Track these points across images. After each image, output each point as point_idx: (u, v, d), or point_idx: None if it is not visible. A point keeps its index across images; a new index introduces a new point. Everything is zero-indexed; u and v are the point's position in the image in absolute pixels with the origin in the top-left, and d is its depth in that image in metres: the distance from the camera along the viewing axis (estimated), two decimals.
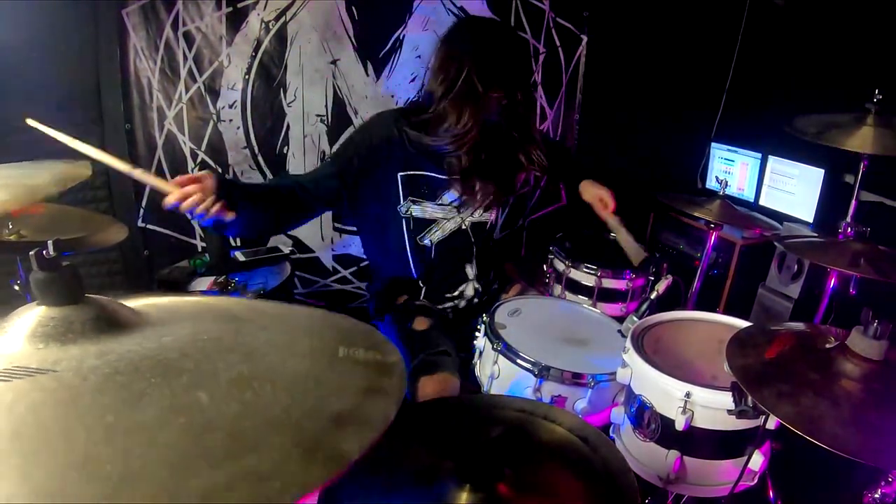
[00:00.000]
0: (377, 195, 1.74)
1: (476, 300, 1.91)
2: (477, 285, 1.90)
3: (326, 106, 2.59)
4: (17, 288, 1.51)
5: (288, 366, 0.58)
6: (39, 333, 0.55)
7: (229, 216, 1.35)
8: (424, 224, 1.79)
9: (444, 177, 1.74)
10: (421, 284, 1.85)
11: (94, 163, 1.28)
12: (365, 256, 2.25)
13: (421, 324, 1.76)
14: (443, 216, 1.80)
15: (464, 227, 1.83)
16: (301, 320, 0.73)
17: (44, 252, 0.57)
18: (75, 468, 0.41)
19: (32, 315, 0.57)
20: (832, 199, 2.71)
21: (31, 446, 0.43)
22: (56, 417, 0.46)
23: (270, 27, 2.40)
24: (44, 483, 0.40)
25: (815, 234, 2.54)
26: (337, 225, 2.74)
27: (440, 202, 1.78)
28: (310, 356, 0.61)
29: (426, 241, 1.81)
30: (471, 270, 1.89)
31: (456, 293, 1.89)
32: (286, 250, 2.32)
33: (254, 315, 0.70)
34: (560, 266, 2.22)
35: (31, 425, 0.45)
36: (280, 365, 0.58)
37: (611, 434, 1.41)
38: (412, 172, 1.73)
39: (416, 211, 1.77)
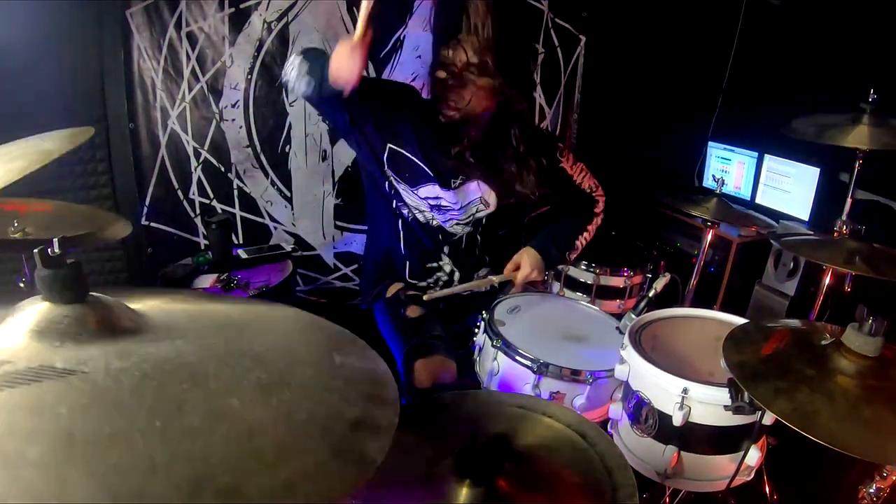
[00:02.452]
0: (371, 146, 1.72)
1: (456, 280, 1.91)
2: (454, 269, 1.89)
3: None
4: (22, 286, 1.51)
5: (296, 372, 0.60)
6: (53, 331, 0.54)
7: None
8: (401, 196, 1.79)
9: (430, 172, 1.72)
10: (404, 252, 1.86)
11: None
12: (363, 253, 2.26)
13: (414, 311, 1.78)
14: (414, 205, 1.79)
15: (433, 223, 1.81)
16: (290, 323, 0.76)
17: (49, 250, 0.57)
18: (149, 471, 0.42)
19: (38, 311, 0.56)
20: (828, 198, 2.73)
21: (92, 449, 0.43)
22: (107, 420, 0.46)
23: (272, 27, 2.41)
24: (123, 486, 0.41)
25: (811, 232, 2.55)
26: (339, 223, 2.76)
27: (416, 191, 1.76)
28: (311, 364, 0.63)
29: (404, 211, 1.81)
30: (446, 259, 1.88)
31: (435, 265, 1.89)
32: (288, 248, 2.33)
33: (249, 318, 0.72)
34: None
35: (83, 428, 0.45)
36: (289, 372, 0.59)
37: (609, 430, 1.42)
38: (401, 151, 1.71)
39: (395, 182, 1.77)
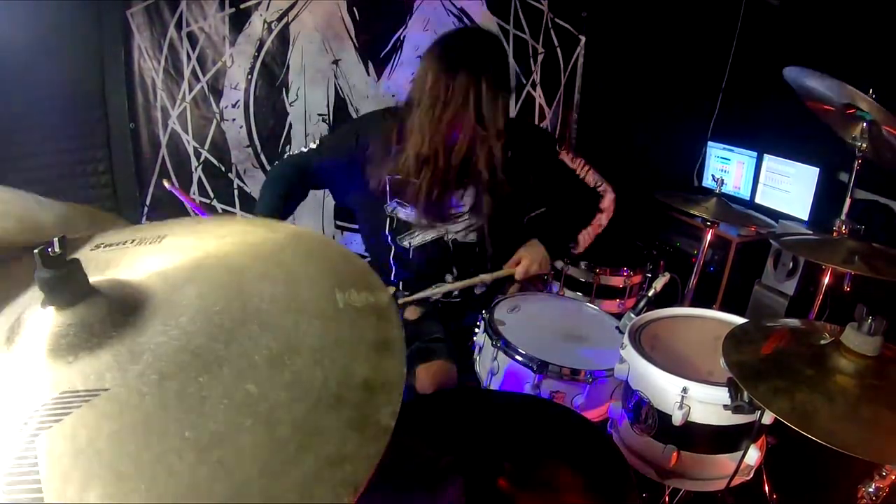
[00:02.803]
0: (366, 190, 1.71)
1: (456, 295, 1.86)
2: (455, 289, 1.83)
3: (328, 105, 2.61)
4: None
5: (302, 330, 0.59)
6: (64, 345, 0.53)
7: None
8: (405, 226, 1.74)
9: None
10: (396, 285, 1.83)
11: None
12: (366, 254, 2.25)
13: (412, 313, 1.77)
14: (415, 221, 1.73)
15: (445, 239, 1.76)
16: (287, 256, 0.72)
17: (49, 250, 0.55)
18: (192, 492, 0.42)
19: (46, 323, 0.55)
20: (827, 198, 2.73)
21: (139, 482, 0.43)
22: (143, 445, 0.46)
23: (273, 28, 2.41)
24: None
25: (810, 232, 2.56)
26: (338, 223, 2.76)
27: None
28: (315, 314, 0.61)
29: (405, 243, 1.76)
30: (450, 278, 1.83)
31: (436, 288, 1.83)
32: None
33: (249, 260, 0.69)
34: (558, 263, 2.24)
35: (125, 461, 0.44)
36: (295, 331, 0.58)
37: (609, 429, 1.42)
38: (401, 177, 1.67)
39: (401, 213, 1.73)
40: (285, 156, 1.76)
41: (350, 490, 0.45)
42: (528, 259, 1.79)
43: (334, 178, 1.77)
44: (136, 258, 0.68)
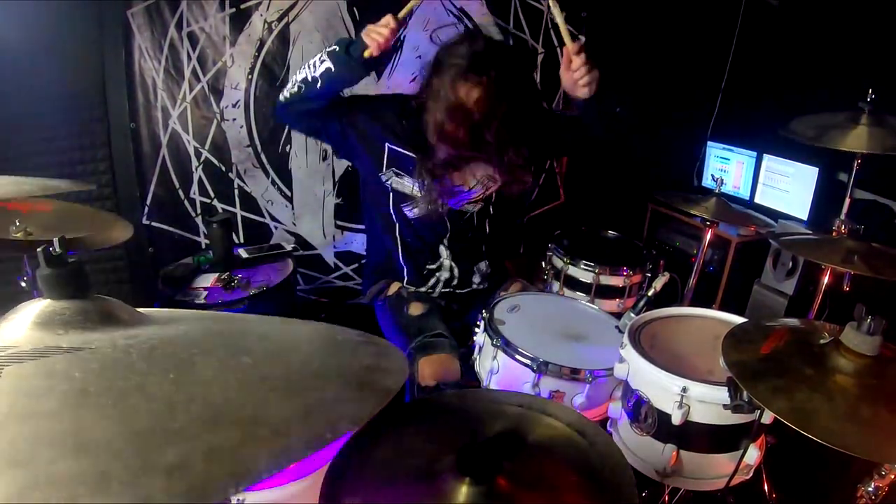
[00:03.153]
0: (365, 156, 1.79)
1: (454, 283, 1.92)
2: (454, 267, 1.90)
3: None
4: (23, 284, 1.52)
5: (302, 340, 0.60)
6: (57, 321, 0.55)
7: None
8: (404, 197, 1.81)
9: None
10: (402, 262, 1.88)
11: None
12: (365, 253, 2.26)
13: (416, 308, 1.80)
14: (417, 192, 1.80)
15: (442, 210, 1.81)
16: (293, 327, 0.74)
17: (51, 249, 0.57)
18: (167, 411, 0.43)
19: (41, 307, 0.56)
20: (826, 197, 2.74)
21: (106, 399, 0.44)
22: (121, 377, 0.46)
23: (273, 28, 2.41)
24: (140, 423, 0.42)
25: (810, 232, 2.56)
26: (339, 222, 2.76)
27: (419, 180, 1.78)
28: (315, 341, 0.64)
29: (407, 212, 1.83)
30: (444, 251, 1.89)
31: (434, 266, 1.90)
32: (289, 247, 2.34)
33: (253, 323, 0.72)
34: (558, 263, 2.25)
35: (97, 384, 0.45)
36: (294, 341, 0.60)
37: (608, 428, 1.43)
38: (399, 148, 1.75)
39: (396, 183, 1.79)
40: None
41: (349, 423, 0.46)
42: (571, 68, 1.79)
43: (346, 134, 1.78)
44: None
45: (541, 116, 1.88)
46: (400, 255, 1.89)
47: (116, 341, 0.52)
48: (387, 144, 1.76)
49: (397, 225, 1.86)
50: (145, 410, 0.43)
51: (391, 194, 1.81)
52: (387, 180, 1.80)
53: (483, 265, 1.95)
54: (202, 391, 0.46)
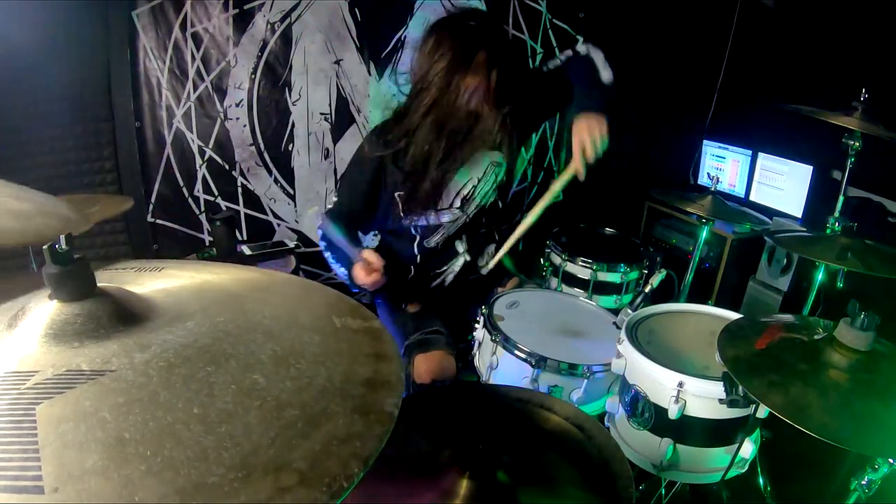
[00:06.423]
0: (383, 214, 1.77)
1: (464, 273, 1.89)
2: (467, 257, 1.86)
3: (330, 105, 2.63)
4: (34, 267, 1.51)
5: (305, 340, 0.61)
6: (70, 331, 0.54)
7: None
8: (431, 230, 1.78)
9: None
10: (413, 269, 1.86)
11: None
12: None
13: (414, 306, 1.81)
14: (450, 219, 1.77)
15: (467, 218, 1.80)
16: (285, 288, 0.78)
17: (56, 246, 0.57)
18: (202, 459, 0.44)
19: (49, 311, 0.56)
20: (820, 195, 2.75)
21: (145, 448, 0.44)
22: (150, 416, 0.47)
23: (276, 28, 2.43)
24: (183, 477, 0.43)
25: (804, 229, 2.58)
26: None
27: (442, 208, 1.75)
28: (315, 330, 0.65)
29: (432, 244, 1.80)
30: (461, 245, 1.85)
31: (444, 268, 1.87)
32: (291, 244, 2.35)
33: (247, 290, 0.73)
34: (557, 260, 2.27)
35: (130, 429, 0.46)
36: (298, 341, 0.61)
37: (606, 423, 1.44)
38: (402, 192, 1.71)
39: (421, 221, 1.76)
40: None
41: (359, 462, 0.47)
42: (578, 136, 1.61)
43: (363, 214, 1.77)
44: (137, 280, 0.71)
45: (528, 75, 1.85)
46: (416, 263, 1.86)
47: (133, 357, 0.53)
48: (396, 194, 1.70)
49: (417, 255, 1.83)
50: (182, 461, 0.44)
51: (417, 237, 1.79)
52: (409, 224, 1.76)
53: (492, 248, 1.92)
54: (227, 430, 0.47)
